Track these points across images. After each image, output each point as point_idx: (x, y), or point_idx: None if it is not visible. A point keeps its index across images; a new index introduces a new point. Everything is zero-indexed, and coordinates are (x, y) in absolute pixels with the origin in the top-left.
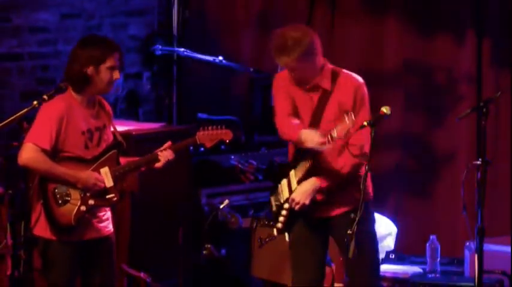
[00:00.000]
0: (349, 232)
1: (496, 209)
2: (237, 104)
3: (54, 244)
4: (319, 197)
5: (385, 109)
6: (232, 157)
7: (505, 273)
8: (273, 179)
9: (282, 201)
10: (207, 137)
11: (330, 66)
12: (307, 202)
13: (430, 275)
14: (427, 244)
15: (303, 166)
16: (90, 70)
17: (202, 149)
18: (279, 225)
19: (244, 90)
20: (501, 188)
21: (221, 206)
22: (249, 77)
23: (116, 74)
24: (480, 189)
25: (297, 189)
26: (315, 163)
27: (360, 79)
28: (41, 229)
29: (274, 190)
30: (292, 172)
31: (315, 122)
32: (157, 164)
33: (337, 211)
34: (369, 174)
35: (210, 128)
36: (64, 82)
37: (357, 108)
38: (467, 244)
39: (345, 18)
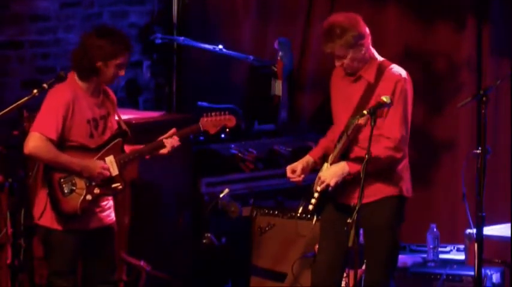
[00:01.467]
0: (349, 220)
1: (496, 197)
2: (237, 93)
3: (57, 232)
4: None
5: (385, 98)
6: (232, 145)
7: (505, 262)
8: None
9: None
10: (210, 123)
11: (379, 59)
12: (332, 183)
13: (430, 264)
14: (427, 233)
15: (338, 149)
16: (99, 63)
17: (202, 137)
18: (310, 207)
19: (244, 79)
20: (501, 177)
21: (221, 195)
22: (249, 66)
23: (122, 72)
24: (480, 177)
25: (326, 169)
26: (349, 149)
27: (403, 73)
28: (46, 218)
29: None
30: (331, 156)
31: (358, 114)
32: (163, 151)
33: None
34: (407, 168)
35: (213, 114)
36: (64, 71)
37: (394, 103)
38: (467, 232)
39: (345, 6)
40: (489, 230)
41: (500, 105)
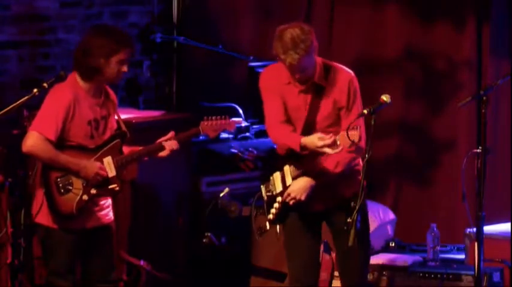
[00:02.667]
0: (348, 220)
1: (496, 197)
2: (237, 93)
3: (55, 231)
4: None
5: (385, 97)
6: (233, 145)
7: (505, 261)
8: (267, 169)
9: (274, 193)
10: (210, 127)
11: (320, 60)
12: (302, 198)
13: (430, 264)
14: (427, 232)
15: (299, 164)
16: (101, 60)
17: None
18: (271, 216)
19: (244, 79)
20: (501, 176)
21: (221, 195)
22: (248, 65)
23: (125, 68)
24: (480, 177)
25: (293, 184)
26: (311, 161)
27: (351, 72)
28: (43, 217)
29: (265, 180)
30: (287, 167)
31: (311, 120)
32: (162, 153)
33: (331, 204)
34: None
35: (213, 118)
36: (64, 70)
37: (350, 104)
38: (467, 231)
39: (345, 5)
40: (489, 230)
41: (500, 105)
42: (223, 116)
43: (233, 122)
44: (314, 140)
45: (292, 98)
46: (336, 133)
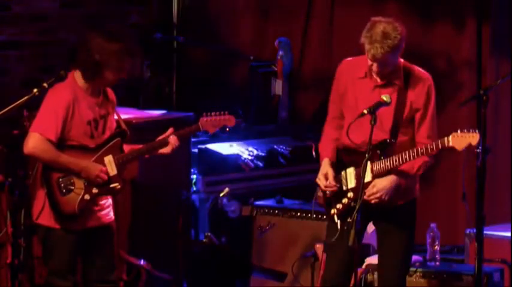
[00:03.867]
0: (349, 219)
1: (496, 197)
2: (237, 93)
3: (56, 231)
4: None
5: (385, 97)
6: (233, 145)
7: (505, 261)
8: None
9: (344, 188)
10: (210, 123)
11: (401, 61)
12: (386, 198)
13: (430, 263)
14: (427, 232)
15: (387, 162)
16: (104, 64)
17: (202, 138)
18: (334, 211)
19: (244, 79)
20: (501, 176)
21: (221, 195)
22: (249, 66)
23: (125, 74)
24: (480, 177)
25: (377, 184)
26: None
27: (430, 77)
28: (44, 218)
29: (338, 173)
30: (368, 164)
31: (397, 121)
32: (165, 150)
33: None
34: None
35: (213, 114)
36: (64, 70)
37: (426, 108)
38: (467, 231)
39: (345, 5)
40: (489, 230)
41: (500, 105)
42: (222, 112)
43: (233, 118)
44: (324, 172)
45: (365, 93)
46: (406, 135)
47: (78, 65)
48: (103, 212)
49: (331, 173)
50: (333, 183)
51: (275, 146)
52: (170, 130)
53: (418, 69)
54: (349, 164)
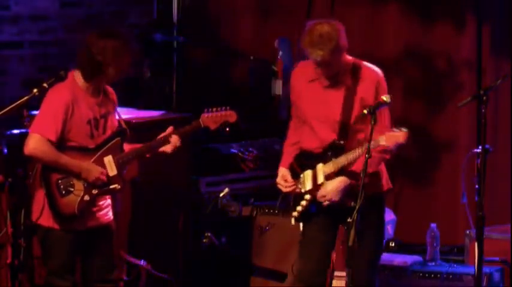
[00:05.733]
0: (349, 219)
1: (496, 197)
2: (237, 93)
3: (55, 232)
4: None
5: (385, 97)
6: (233, 145)
7: (505, 261)
8: (298, 166)
9: (302, 191)
10: (211, 119)
11: (349, 59)
12: (337, 199)
13: (430, 264)
14: (427, 232)
15: (336, 164)
16: (105, 63)
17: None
18: (296, 214)
19: (244, 79)
20: (501, 176)
21: (221, 195)
22: (248, 65)
23: (125, 73)
24: (480, 177)
25: (327, 185)
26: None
27: (380, 72)
28: (43, 218)
29: (295, 177)
30: (320, 166)
31: (345, 121)
32: (166, 149)
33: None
34: (383, 165)
35: (214, 109)
36: (64, 70)
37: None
38: (467, 232)
39: (345, 4)
40: (489, 230)
41: (500, 104)
42: (223, 107)
43: (234, 113)
44: (281, 174)
45: (316, 95)
46: (363, 131)
47: (78, 65)
48: (102, 213)
49: (287, 173)
50: (290, 183)
51: (275, 147)
52: (170, 129)
53: (366, 66)
54: (307, 167)
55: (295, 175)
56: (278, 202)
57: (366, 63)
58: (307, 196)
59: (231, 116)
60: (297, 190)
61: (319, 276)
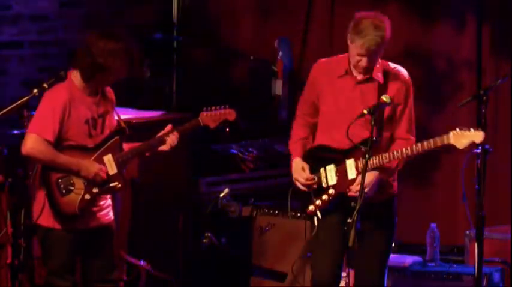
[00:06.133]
0: (349, 220)
1: (496, 197)
2: (237, 93)
3: (55, 232)
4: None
5: (385, 98)
6: (233, 145)
7: (505, 262)
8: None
9: (324, 185)
10: (210, 118)
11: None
12: (370, 193)
13: (430, 264)
14: (427, 233)
15: (373, 161)
16: (108, 66)
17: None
18: (312, 207)
19: (244, 79)
20: (501, 176)
21: (221, 195)
22: (248, 65)
23: (125, 73)
24: (480, 177)
25: (365, 178)
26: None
27: (407, 73)
28: (43, 218)
29: (315, 171)
30: (350, 161)
31: (381, 120)
32: (163, 147)
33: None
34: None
35: (213, 108)
36: (64, 71)
37: (404, 105)
38: (467, 232)
39: (345, 4)
40: (489, 230)
41: (500, 104)
42: (222, 106)
43: (233, 111)
44: (300, 166)
45: (346, 91)
46: (388, 131)
47: (76, 65)
48: (102, 213)
49: (307, 167)
50: (311, 176)
51: (275, 146)
52: (169, 127)
53: (395, 65)
54: (328, 161)
55: (312, 170)
56: (289, 200)
57: (393, 64)
58: (331, 191)
59: (230, 114)
60: (314, 186)
61: (336, 273)
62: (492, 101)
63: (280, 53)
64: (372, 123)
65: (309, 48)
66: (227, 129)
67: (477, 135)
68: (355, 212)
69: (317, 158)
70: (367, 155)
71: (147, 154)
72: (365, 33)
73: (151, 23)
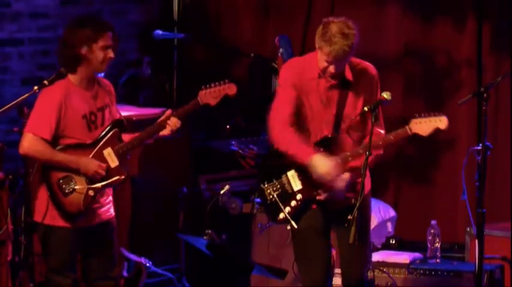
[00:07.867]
0: (349, 217)
1: (496, 194)
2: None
3: (56, 229)
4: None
5: (385, 95)
6: (233, 142)
7: (505, 258)
8: (268, 169)
9: (290, 191)
10: (210, 95)
11: None
12: (341, 196)
13: (430, 261)
14: (428, 230)
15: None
16: (83, 50)
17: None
18: (282, 215)
19: (244, 76)
20: (501, 174)
21: (222, 192)
22: (249, 63)
23: (110, 53)
24: (480, 174)
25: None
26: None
27: (374, 68)
28: (49, 218)
29: (271, 179)
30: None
31: (338, 120)
32: (164, 132)
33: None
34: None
35: (212, 85)
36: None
37: (375, 96)
38: (468, 229)
39: (345, 4)
40: (489, 227)
41: (500, 102)
42: (221, 81)
43: (233, 85)
44: (326, 166)
45: (318, 94)
46: (358, 130)
47: (59, 60)
48: (103, 209)
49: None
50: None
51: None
52: (168, 112)
53: (361, 61)
54: (289, 167)
55: (272, 177)
56: (279, 202)
57: (361, 60)
58: (299, 196)
59: (230, 88)
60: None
61: (328, 276)
62: (492, 99)
63: (281, 50)
64: (372, 121)
65: (309, 46)
66: (227, 127)
67: (441, 121)
68: (355, 209)
69: (275, 165)
70: (367, 153)
71: (149, 142)
72: (333, 42)
73: (151, 21)
